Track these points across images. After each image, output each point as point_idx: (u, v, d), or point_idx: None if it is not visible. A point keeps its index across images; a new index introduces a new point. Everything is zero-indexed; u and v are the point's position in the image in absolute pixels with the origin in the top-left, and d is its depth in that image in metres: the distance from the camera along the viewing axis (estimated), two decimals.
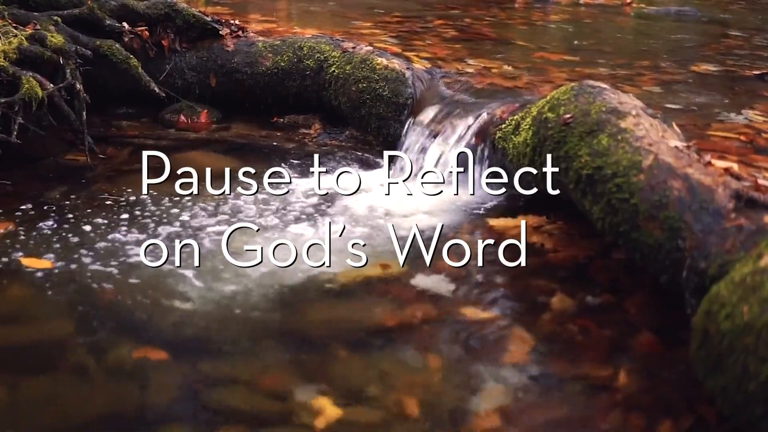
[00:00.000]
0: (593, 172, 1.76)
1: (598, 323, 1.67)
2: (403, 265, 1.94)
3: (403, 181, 2.47)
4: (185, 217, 2.15)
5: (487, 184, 2.35)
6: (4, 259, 1.90)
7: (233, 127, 2.93)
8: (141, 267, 1.87)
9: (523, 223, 2.11)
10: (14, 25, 2.61)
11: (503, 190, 2.33)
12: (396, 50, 3.14)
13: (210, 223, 2.12)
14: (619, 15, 5.13)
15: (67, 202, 2.22)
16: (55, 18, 2.74)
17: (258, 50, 2.97)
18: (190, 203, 2.24)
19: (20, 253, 1.92)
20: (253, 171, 2.53)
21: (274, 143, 2.80)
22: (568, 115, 1.92)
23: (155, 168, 2.54)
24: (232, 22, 3.13)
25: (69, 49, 2.59)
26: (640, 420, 1.38)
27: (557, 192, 2.01)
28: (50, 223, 2.09)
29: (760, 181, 1.57)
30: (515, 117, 2.23)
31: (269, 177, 2.47)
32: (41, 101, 2.43)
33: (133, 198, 2.26)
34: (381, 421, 1.38)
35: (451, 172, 2.39)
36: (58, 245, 1.96)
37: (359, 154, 2.71)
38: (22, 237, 2.00)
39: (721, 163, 1.67)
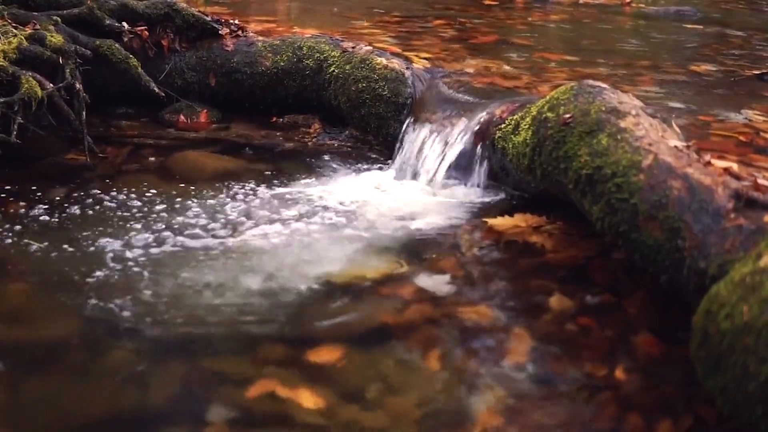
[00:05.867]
0: (593, 171, 1.76)
1: (597, 323, 1.67)
2: (402, 265, 1.94)
3: (403, 180, 2.47)
4: (186, 217, 2.15)
5: (486, 183, 2.36)
6: (6, 259, 1.90)
7: (233, 127, 2.93)
8: (141, 267, 1.87)
9: (522, 223, 2.11)
10: (14, 24, 2.61)
11: (503, 189, 2.34)
12: (396, 50, 3.14)
13: (210, 222, 2.12)
14: (618, 15, 5.13)
15: (67, 202, 2.21)
16: (55, 18, 2.74)
17: (257, 50, 2.97)
18: (191, 203, 2.24)
19: (20, 253, 1.93)
20: (251, 171, 2.54)
21: (274, 143, 2.80)
22: (567, 115, 1.92)
23: (155, 168, 2.55)
24: (231, 21, 3.12)
25: (68, 49, 2.59)
26: (639, 420, 1.38)
27: (556, 192, 2.01)
28: (50, 222, 2.09)
29: (760, 181, 1.57)
30: (515, 117, 2.23)
31: (267, 177, 2.47)
32: (41, 101, 2.43)
33: (133, 197, 2.26)
34: (381, 421, 1.38)
35: (450, 171, 2.39)
36: (58, 245, 1.96)
37: (359, 154, 2.71)
38: (22, 237, 2.00)
39: (721, 163, 1.67)
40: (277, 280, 1.84)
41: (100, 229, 2.06)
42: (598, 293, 1.78)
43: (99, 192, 2.29)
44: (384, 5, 4.71)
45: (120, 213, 2.16)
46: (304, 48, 2.93)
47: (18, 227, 2.05)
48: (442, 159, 2.41)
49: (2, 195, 2.24)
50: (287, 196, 2.32)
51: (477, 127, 2.38)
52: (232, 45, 3.00)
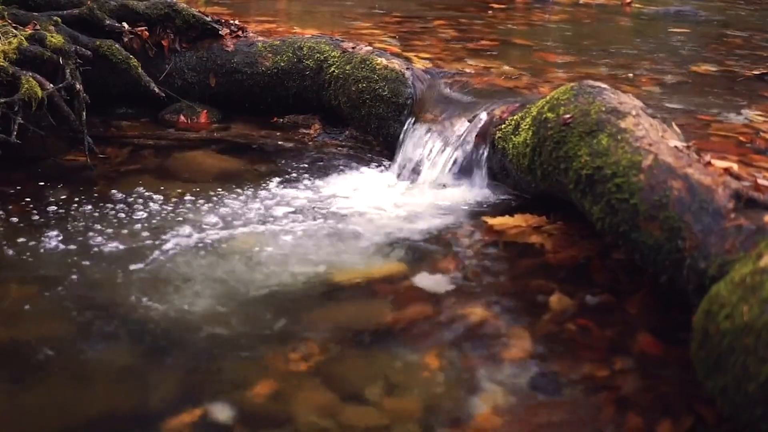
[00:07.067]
0: (593, 172, 1.76)
1: (597, 323, 1.67)
2: (403, 265, 1.94)
3: (403, 181, 2.47)
4: (186, 217, 2.15)
5: (486, 184, 2.36)
6: (6, 259, 1.90)
7: (233, 127, 2.94)
8: (142, 267, 1.87)
9: (522, 223, 2.11)
10: (14, 25, 2.61)
11: (503, 190, 2.34)
12: (396, 50, 3.14)
13: (210, 222, 2.12)
14: (618, 15, 5.14)
15: (67, 203, 2.22)
16: (55, 18, 2.74)
17: (258, 50, 2.97)
18: (191, 203, 2.24)
19: (21, 254, 1.93)
20: (251, 171, 2.54)
21: (274, 143, 2.80)
22: (567, 115, 1.92)
23: (155, 168, 2.56)
24: (231, 22, 3.13)
25: (69, 49, 2.59)
26: (639, 420, 1.38)
27: (557, 192, 2.01)
28: (50, 223, 2.09)
29: (760, 181, 1.57)
30: (515, 117, 2.23)
31: (267, 177, 2.47)
32: (41, 101, 2.43)
33: (133, 198, 2.26)
34: (381, 422, 1.38)
35: (450, 172, 2.39)
36: (58, 245, 1.96)
37: (359, 154, 2.71)
38: (22, 237, 2.00)
39: (721, 163, 1.67)
40: (277, 279, 1.84)
41: (100, 229, 2.06)
42: (598, 293, 1.78)
43: (99, 192, 2.29)
44: (384, 5, 4.71)
45: (120, 213, 2.16)
46: (305, 48, 2.93)
47: (18, 227, 2.05)
48: (443, 159, 2.41)
49: (2, 195, 2.25)
50: (287, 196, 2.32)
51: (477, 128, 2.38)
52: (233, 45, 3.00)
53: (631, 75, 3.07)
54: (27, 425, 1.37)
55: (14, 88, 2.39)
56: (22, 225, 2.07)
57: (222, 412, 1.40)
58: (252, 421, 1.39)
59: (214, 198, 2.28)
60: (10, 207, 2.17)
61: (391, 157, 2.59)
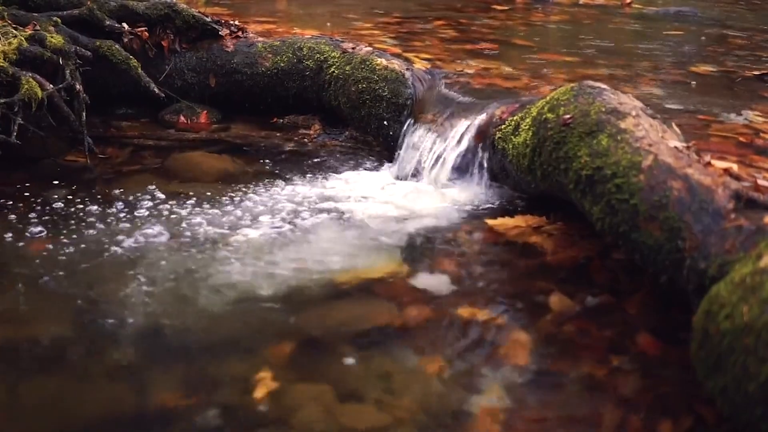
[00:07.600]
0: (593, 172, 1.76)
1: (597, 324, 1.67)
2: (403, 266, 1.94)
3: (403, 181, 2.47)
4: (185, 217, 2.15)
5: (486, 184, 2.36)
6: (6, 260, 1.90)
7: (233, 128, 2.94)
8: (141, 267, 1.87)
9: (522, 223, 2.11)
10: (14, 25, 2.61)
11: (503, 190, 2.34)
12: (396, 51, 3.14)
13: (210, 223, 2.12)
14: (618, 15, 5.14)
15: (68, 203, 2.22)
16: (55, 19, 2.74)
17: (257, 51, 2.97)
18: (190, 204, 2.24)
19: (20, 253, 1.93)
20: (251, 172, 2.55)
21: (274, 144, 2.80)
22: (567, 116, 1.92)
23: (155, 169, 2.56)
24: (231, 22, 3.13)
25: (69, 50, 2.59)
26: (639, 420, 1.38)
27: (556, 193, 2.01)
28: (50, 223, 2.09)
29: (760, 182, 1.57)
30: (515, 117, 2.23)
31: (267, 178, 2.48)
32: (41, 102, 2.43)
33: (133, 199, 2.26)
34: (381, 422, 1.38)
35: (450, 172, 2.39)
36: (58, 246, 1.96)
37: (359, 154, 2.71)
38: (22, 237, 2.00)
39: (720, 164, 1.67)
40: (276, 279, 1.84)
41: (100, 229, 2.06)
42: (598, 293, 1.78)
43: (99, 193, 2.29)
44: (384, 6, 4.72)
45: (120, 214, 2.16)
46: (305, 49, 2.93)
47: (18, 228, 2.05)
48: (443, 160, 2.41)
49: (2, 195, 2.25)
50: (287, 196, 2.32)
51: (477, 128, 2.38)
52: (232, 46, 3.00)
53: (630, 75, 3.07)
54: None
55: (14, 89, 2.39)
56: (21, 225, 2.07)
57: (221, 411, 1.40)
58: (251, 418, 1.39)
59: (214, 198, 2.28)
60: (10, 207, 2.17)
61: (391, 158, 2.59)
